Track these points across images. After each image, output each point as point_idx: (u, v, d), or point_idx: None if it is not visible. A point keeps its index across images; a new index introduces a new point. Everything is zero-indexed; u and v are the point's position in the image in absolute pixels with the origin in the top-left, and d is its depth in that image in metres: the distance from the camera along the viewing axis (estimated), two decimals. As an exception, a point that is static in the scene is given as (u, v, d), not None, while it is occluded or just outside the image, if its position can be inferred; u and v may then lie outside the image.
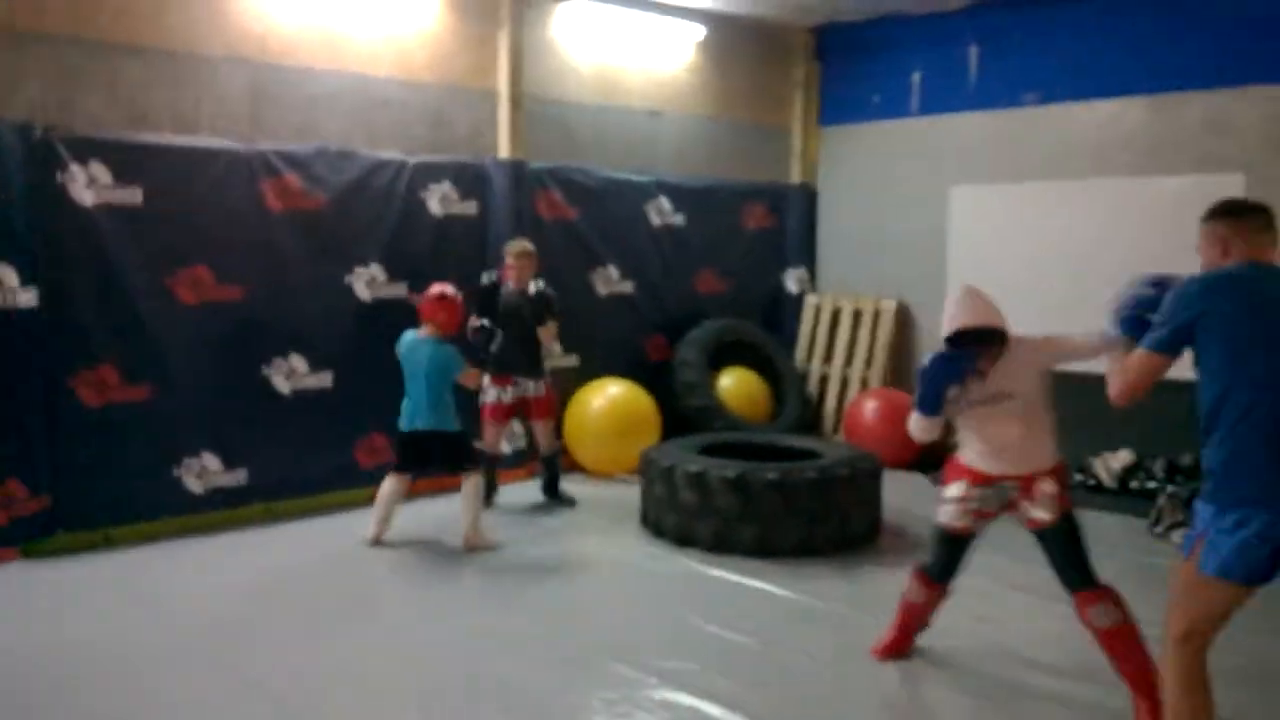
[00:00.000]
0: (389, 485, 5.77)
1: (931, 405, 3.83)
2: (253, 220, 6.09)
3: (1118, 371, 3.05)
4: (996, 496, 3.87)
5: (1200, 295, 2.92)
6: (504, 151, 7.24)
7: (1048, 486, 3.75)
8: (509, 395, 6.49)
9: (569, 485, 6.90)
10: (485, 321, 6.30)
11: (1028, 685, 4.05)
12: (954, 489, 3.96)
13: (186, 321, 5.87)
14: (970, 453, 3.93)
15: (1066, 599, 3.81)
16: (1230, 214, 3.05)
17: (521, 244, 6.51)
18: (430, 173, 6.88)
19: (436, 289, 5.81)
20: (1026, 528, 3.86)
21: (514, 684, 4.00)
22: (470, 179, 7.08)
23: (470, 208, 7.10)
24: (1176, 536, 5.92)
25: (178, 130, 5.87)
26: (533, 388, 6.53)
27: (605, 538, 6.08)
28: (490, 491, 6.55)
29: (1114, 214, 7.45)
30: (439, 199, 6.93)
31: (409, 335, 5.78)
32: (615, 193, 7.93)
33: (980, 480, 3.88)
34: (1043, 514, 3.76)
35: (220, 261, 5.98)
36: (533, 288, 6.36)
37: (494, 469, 6.61)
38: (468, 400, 6.35)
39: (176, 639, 4.38)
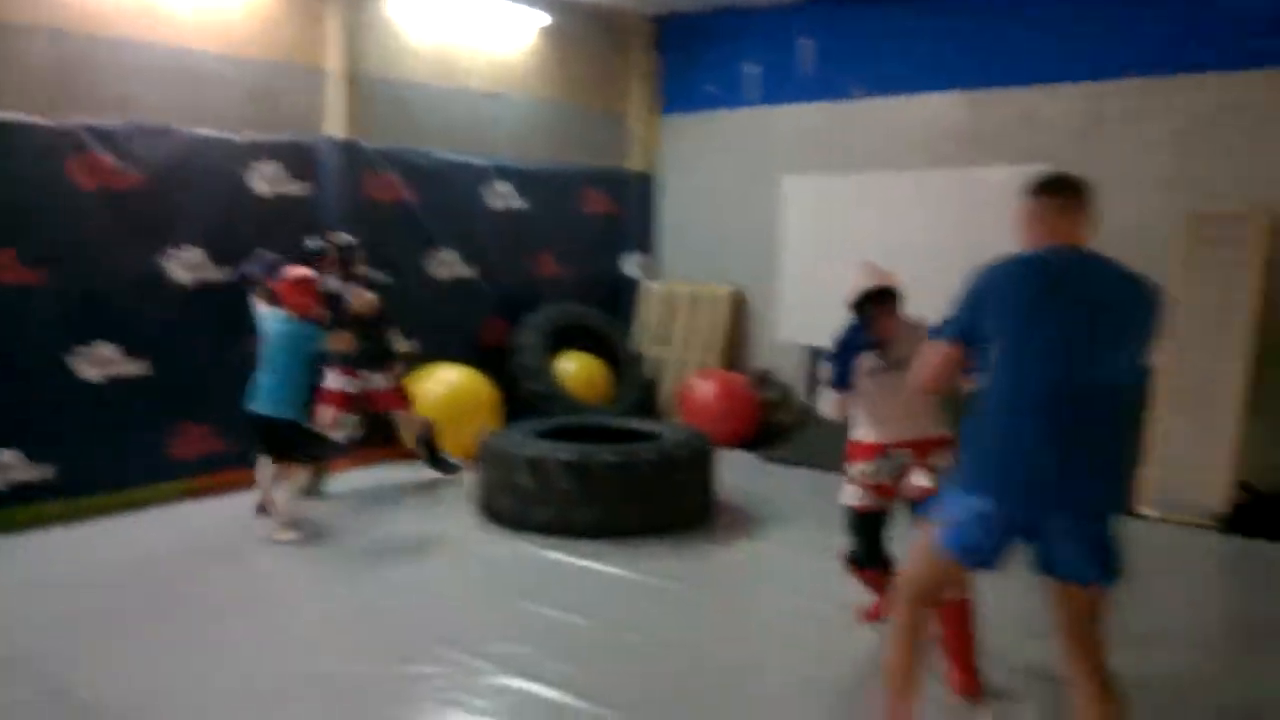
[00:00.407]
0: (260, 468, 5.65)
1: (846, 378, 3.98)
2: (60, 199, 5.72)
3: (918, 362, 3.10)
4: (891, 466, 4.01)
5: (988, 283, 2.87)
6: (337, 131, 7.02)
7: (942, 460, 3.90)
8: (352, 386, 6.40)
9: (405, 473, 6.83)
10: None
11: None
12: (854, 468, 4.11)
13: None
14: (863, 428, 4.08)
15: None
16: (1040, 191, 2.94)
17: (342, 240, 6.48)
18: (257, 151, 6.61)
19: (295, 272, 5.62)
20: (907, 499, 3.99)
21: (338, 675, 3.91)
22: (301, 159, 6.84)
23: (301, 189, 6.86)
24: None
25: (-27, 101, 5.47)
26: (379, 381, 6.48)
27: (441, 524, 5.99)
28: (319, 476, 6.41)
29: (940, 204, 7.76)
30: (267, 179, 6.67)
31: (268, 313, 5.63)
32: (453, 175, 7.80)
33: (875, 452, 4.03)
34: (927, 482, 3.89)
35: (24, 243, 5.59)
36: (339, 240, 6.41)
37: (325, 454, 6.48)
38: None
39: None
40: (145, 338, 6.11)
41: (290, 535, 5.48)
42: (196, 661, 4.02)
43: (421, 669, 3.95)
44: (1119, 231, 7.03)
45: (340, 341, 5.95)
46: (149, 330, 6.12)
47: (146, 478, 6.16)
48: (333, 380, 6.35)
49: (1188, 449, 6.23)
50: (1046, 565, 2.85)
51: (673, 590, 4.91)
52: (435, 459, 6.82)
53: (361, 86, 7.15)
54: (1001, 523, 2.83)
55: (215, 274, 6.39)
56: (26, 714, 3.58)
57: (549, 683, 3.82)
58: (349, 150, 7.01)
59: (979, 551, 2.89)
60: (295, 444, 5.61)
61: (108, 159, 5.88)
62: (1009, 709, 3.67)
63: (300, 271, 5.67)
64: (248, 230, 6.52)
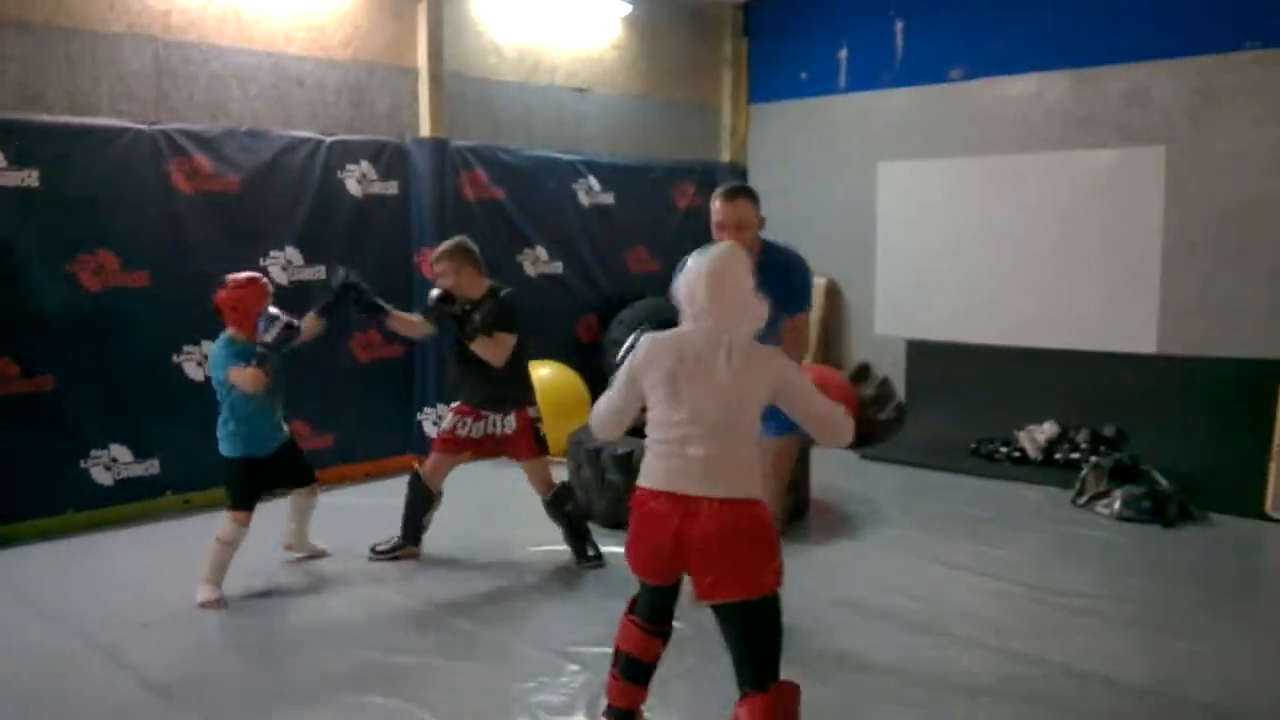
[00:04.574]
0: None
1: None
2: (160, 203, 5.89)
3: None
4: None
5: None
6: (425, 130, 7.07)
7: None
8: (468, 429, 5.07)
9: (489, 469, 6.40)
10: (283, 316, 4.50)
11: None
12: None
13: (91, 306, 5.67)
14: None
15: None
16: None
17: (443, 245, 5.08)
18: (348, 152, 6.70)
19: (240, 277, 4.65)
20: None
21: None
22: (390, 158, 6.91)
23: (391, 188, 6.93)
24: (1100, 507, 5.96)
25: (75, 111, 5.62)
26: (500, 424, 5.06)
27: (533, 525, 5.92)
28: (416, 532, 5.24)
29: (1041, 188, 7.49)
30: (357, 179, 6.75)
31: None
32: (542, 172, 7.79)
33: None
34: None
35: (126, 246, 5.76)
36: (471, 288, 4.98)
37: (426, 507, 5.21)
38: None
39: None
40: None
41: (210, 595, 4.56)
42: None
43: (513, 668, 3.93)
44: (1234, 211, 6.70)
45: (242, 378, 4.42)
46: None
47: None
48: (445, 419, 5.22)
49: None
50: None
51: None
52: (579, 539, 5.20)
53: (448, 85, 7.16)
54: None
55: (309, 274, 6.48)
56: None
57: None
58: (437, 149, 7.03)
59: None
60: (228, 485, 4.66)
61: (205, 162, 6.03)
62: None
63: (244, 275, 4.68)
64: (340, 230, 6.63)
